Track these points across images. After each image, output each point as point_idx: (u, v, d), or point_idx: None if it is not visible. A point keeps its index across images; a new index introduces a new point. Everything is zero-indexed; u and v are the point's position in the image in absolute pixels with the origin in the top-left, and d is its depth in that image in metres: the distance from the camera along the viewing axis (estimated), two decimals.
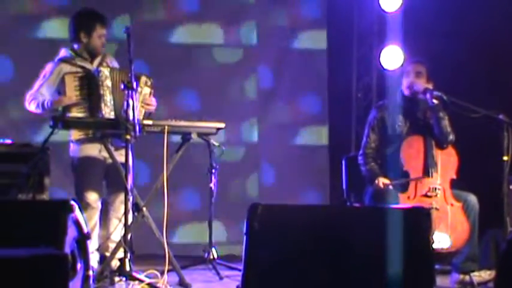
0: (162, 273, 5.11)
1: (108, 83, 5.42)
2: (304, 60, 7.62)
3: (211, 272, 5.83)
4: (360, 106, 7.64)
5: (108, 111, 5.39)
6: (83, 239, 3.89)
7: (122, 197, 5.21)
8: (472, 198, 5.42)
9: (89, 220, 5.16)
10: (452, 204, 5.39)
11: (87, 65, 5.54)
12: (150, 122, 5.33)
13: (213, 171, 5.92)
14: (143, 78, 5.48)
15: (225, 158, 6.07)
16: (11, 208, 3.96)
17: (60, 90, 5.46)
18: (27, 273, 3.14)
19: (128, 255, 5.01)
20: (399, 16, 7.21)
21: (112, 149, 5.36)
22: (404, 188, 5.46)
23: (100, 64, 5.56)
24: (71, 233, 3.75)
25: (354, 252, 3.64)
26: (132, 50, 5.08)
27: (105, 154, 5.39)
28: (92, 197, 5.37)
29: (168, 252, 5.18)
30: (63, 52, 5.59)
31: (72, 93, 5.41)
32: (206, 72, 7.39)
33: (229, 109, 7.30)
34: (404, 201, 5.33)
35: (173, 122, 5.38)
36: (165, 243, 5.22)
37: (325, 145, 7.65)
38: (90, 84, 5.42)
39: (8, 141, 5.73)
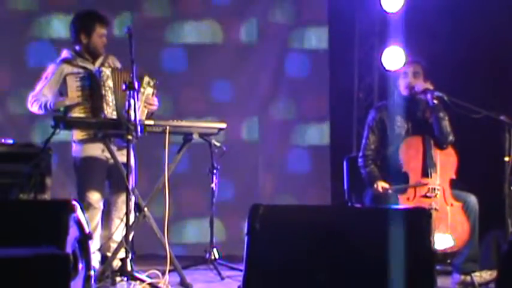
0: (163, 273, 5.10)
1: (110, 83, 5.42)
2: (305, 60, 7.62)
3: (212, 272, 5.83)
4: (361, 106, 7.63)
5: (110, 111, 5.39)
6: (84, 239, 3.89)
7: (123, 197, 5.22)
8: (472, 199, 5.41)
9: (91, 220, 5.16)
10: (452, 205, 5.37)
11: (89, 66, 5.54)
12: (151, 122, 5.33)
13: (215, 171, 5.93)
14: (146, 79, 5.48)
15: (226, 158, 6.06)
16: (13, 208, 3.97)
17: (62, 91, 5.48)
18: (29, 273, 3.14)
19: (130, 255, 5.01)
20: (401, 17, 7.19)
21: (114, 149, 5.37)
22: (403, 190, 5.45)
23: (102, 64, 5.56)
24: (73, 233, 3.75)
25: (355, 253, 3.63)
26: (134, 49, 5.09)
27: (107, 154, 5.38)
28: (94, 197, 5.37)
29: (170, 253, 5.18)
30: (64, 53, 5.59)
31: (74, 94, 5.42)
32: (206, 71, 7.38)
33: (230, 109, 7.30)
34: (404, 203, 5.31)
35: (175, 122, 5.38)
36: (167, 244, 5.21)
37: (326, 145, 7.63)
38: (91, 85, 5.43)
39: (10, 141, 5.73)
